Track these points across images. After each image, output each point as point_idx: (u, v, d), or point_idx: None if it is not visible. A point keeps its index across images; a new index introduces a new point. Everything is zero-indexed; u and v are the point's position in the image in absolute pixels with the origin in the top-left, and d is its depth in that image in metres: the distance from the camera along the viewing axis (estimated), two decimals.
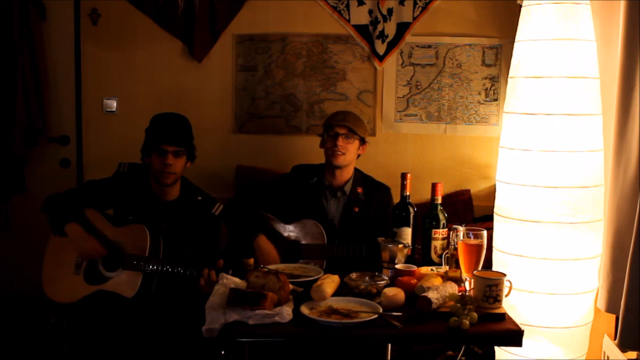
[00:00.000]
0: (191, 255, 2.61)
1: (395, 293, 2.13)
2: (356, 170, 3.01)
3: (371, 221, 2.93)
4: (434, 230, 2.55)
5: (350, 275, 2.25)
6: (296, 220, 2.89)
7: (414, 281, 2.24)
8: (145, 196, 2.75)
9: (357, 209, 2.94)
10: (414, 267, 2.35)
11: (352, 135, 2.87)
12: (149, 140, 2.73)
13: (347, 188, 2.96)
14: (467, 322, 1.98)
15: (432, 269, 2.44)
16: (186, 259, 2.57)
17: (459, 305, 2.03)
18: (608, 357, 2.37)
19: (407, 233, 2.57)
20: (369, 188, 2.98)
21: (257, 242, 2.70)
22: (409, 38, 3.47)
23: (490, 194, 2.94)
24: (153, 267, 2.54)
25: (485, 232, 2.23)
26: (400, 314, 2.04)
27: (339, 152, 2.87)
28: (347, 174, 2.96)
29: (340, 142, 2.86)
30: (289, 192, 2.99)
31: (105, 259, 2.62)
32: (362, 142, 2.94)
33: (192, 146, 2.76)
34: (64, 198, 2.66)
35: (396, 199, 2.68)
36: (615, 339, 2.24)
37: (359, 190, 2.95)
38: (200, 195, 2.83)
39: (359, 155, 2.98)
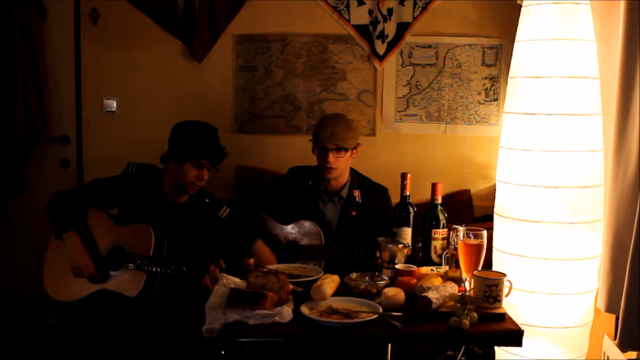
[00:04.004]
0: (195, 257, 2.60)
1: (395, 293, 2.13)
2: (352, 172, 2.99)
3: (369, 223, 2.92)
4: (434, 230, 2.55)
5: (350, 275, 2.25)
6: (294, 221, 2.89)
7: (414, 281, 2.24)
8: (154, 197, 2.74)
9: (354, 213, 2.93)
10: (414, 267, 2.35)
11: (342, 148, 2.83)
12: (187, 150, 2.67)
13: (344, 192, 2.95)
14: (467, 322, 1.98)
15: (432, 269, 2.44)
16: (190, 260, 2.56)
17: (459, 305, 2.03)
18: (608, 357, 2.37)
19: (407, 233, 2.57)
20: (366, 190, 2.97)
21: (254, 249, 2.71)
22: (409, 38, 3.47)
23: (490, 194, 2.94)
24: (157, 266, 2.54)
25: (485, 232, 2.23)
26: (400, 314, 2.04)
27: (331, 167, 2.84)
28: (342, 179, 2.94)
29: (331, 157, 2.82)
30: (285, 194, 2.98)
31: (108, 258, 2.61)
32: (354, 147, 2.89)
33: (223, 160, 2.76)
34: (68, 200, 2.66)
35: (396, 199, 2.67)
36: (615, 339, 2.24)
37: (356, 193, 2.94)
38: (208, 197, 2.83)
39: (352, 157, 2.94)
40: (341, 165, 2.87)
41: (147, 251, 2.58)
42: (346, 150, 2.85)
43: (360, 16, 3.46)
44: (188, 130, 2.74)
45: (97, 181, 2.79)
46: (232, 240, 2.84)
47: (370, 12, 3.45)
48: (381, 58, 3.48)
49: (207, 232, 2.78)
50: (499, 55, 3.46)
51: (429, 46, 3.49)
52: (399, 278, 2.27)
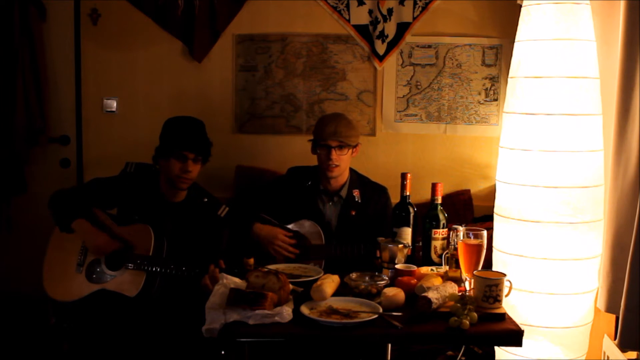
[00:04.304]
0: (194, 257, 2.61)
1: (395, 293, 2.13)
2: (352, 171, 2.99)
3: (369, 223, 2.92)
4: (434, 230, 2.55)
5: (350, 275, 2.25)
6: (293, 221, 2.89)
7: (414, 281, 2.24)
8: (152, 197, 2.75)
9: (354, 212, 2.93)
10: (414, 267, 2.35)
11: (345, 145, 2.84)
12: (168, 145, 2.70)
13: (344, 192, 2.95)
14: (467, 322, 1.98)
15: (432, 269, 2.45)
16: (189, 259, 2.56)
17: (459, 305, 2.03)
18: (608, 357, 2.37)
19: (407, 233, 2.57)
20: (366, 190, 2.97)
21: (254, 231, 2.71)
22: (409, 38, 3.47)
23: (490, 194, 2.94)
24: (156, 266, 2.54)
25: (485, 232, 2.23)
26: (400, 314, 2.04)
27: (334, 165, 2.84)
28: (342, 178, 2.94)
29: (334, 155, 2.82)
30: (285, 194, 2.97)
31: (108, 258, 2.62)
32: (355, 146, 2.91)
33: (210, 152, 2.76)
34: (70, 194, 2.67)
35: (396, 199, 2.68)
36: (615, 339, 2.24)
37: (356, 193, 2.94)
38: (207, 197, 2.83)
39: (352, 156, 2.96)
40: (343, 164, 2.87)
41: (147, 251, 2.59)
42: (349, 147, 2.85)
43: (360, 16, 3.46)
44: (169, 126, 2.75)
45: (96, 181, 2.80)
46: (232, 236, 2.85)
47: (370, 12, 3.45)
48: (381, 58, 3.48)
49: (206, 231, 2.78)
50: (499, 55, 3.46)
51: (429, 46, 3.49)
52: (399, 278, 2.27)
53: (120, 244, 2.59)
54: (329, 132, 2.83)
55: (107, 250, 2.58)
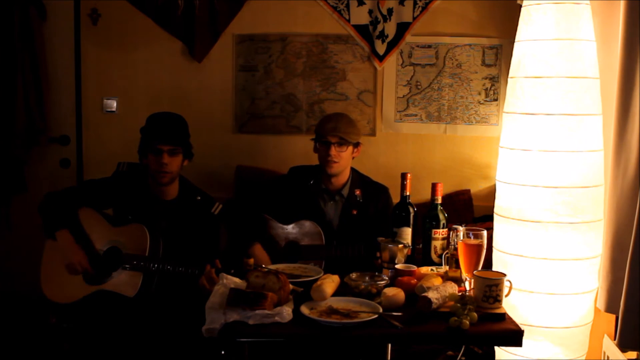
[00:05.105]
0: (190, 255, 2.61)
1: (395, 293, 2.13)
2: (353, 171, 3.00)
3: (370, 222, 2.93)
4: (434, 230, 2.55)
5: (350, 275, 2.25)
6: (294, 221, 2.89)
7: (414, 281, 2.24)
8: (145, 196, 2.75)
9: (355, 212, 2.93)
10: (414, 267, 2.35)
11: (344, 142, 2.86)
12: (144, 141, 2.72)
13: (345, 191, 2.96)
14: (467, 322, 1.98)
15: (432, 269, 2.44)
16: (186, 258, 2.56)
17: (459, 305, 2.03)
18: (608, 357, 2.37)
19: (407, 233, 2.57)
20: (367, 189, 2.97)
21: (252, 251, 2.70)
22: (409, 38, 3.47)
23: (490, 194, 2.94)
24: (154, 266, 2.54)
25: (485, 232, 2.23)
26: (400, 314, 2.04)
27: (333, 161, 2.85)
28: (343, 177, 2.95)
29: (333, 151, 2.84)
30: (286, 193, 2.98)
31: (105, 259, 2.61)
32: (356, 145, 2.92)
33: (189, 144, 2.75)
34: (60, 199, 2.65)
35: (396, 199, 2.68)
36: (615, 339, 2.24)
37: (357, 192, 2.95)
38: (200, 195, 2.83)
39: (353, 157, 2.97)
40: (343, 161, 2.88)
41: (142, 251, 2.58)
42: (348, 144, 2.86)
43: (360, 16, 3.46)
44: (145, 123, 2.75)
45: (90, 182, 2.81)
46: (230, 239, 2.84)
47: (370, 12, 3.45)
48: (381, 58, 3.49)
49: (201, 229, 2.78)
50: (499, 55, 3.46)
51: (429, 46, 3.49)
52: (399, 278, 2.27)
53: (92, 268, 2.57)
54: (329, 128, 2.85)
55: (78, 270, 2.56)
